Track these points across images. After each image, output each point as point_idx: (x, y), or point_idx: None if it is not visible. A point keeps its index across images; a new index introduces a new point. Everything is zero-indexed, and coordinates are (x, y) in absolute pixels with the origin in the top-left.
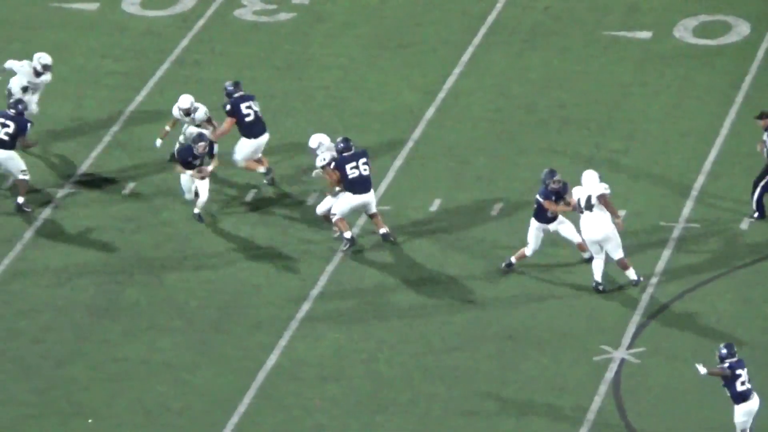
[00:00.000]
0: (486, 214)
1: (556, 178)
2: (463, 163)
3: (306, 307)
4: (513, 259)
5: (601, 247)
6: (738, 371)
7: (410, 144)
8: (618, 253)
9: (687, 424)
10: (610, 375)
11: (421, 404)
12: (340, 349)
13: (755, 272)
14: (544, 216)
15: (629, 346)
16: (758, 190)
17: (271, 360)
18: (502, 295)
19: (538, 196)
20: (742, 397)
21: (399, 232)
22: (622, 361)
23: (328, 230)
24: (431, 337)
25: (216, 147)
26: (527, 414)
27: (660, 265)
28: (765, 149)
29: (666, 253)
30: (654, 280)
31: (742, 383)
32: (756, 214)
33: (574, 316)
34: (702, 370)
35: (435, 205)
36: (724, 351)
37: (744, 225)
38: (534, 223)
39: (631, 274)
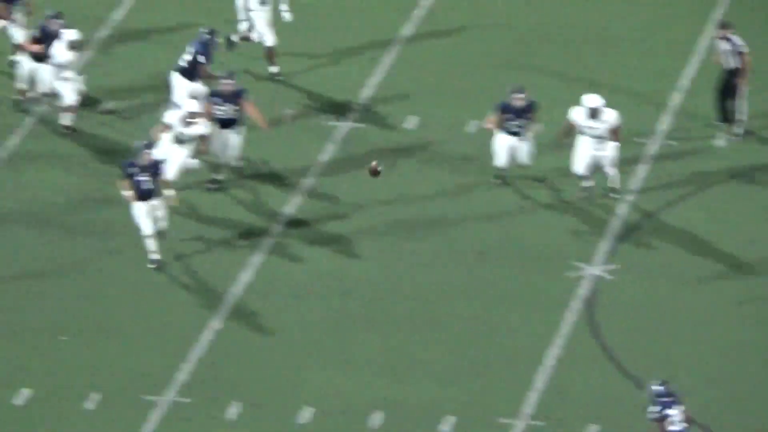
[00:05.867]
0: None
1: (519, 95)
2: (441, 80)
3: (278, 228)
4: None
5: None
6: (668, 412)
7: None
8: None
9: (660, 341)
10: (583, 291)
11: (392, 321)
12: (312, 268)
13: (730, 190)
14: (505, 131)
15: (603, 263)
16: (720, 97)
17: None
18: (474, 211)
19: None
20: None
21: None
22: (596, 277)
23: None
24: (403, 254)
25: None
26: (498, 329)
27: (635, 183)
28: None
29: (641, 170)
30: (629, 197)
31: (673, 423)
32: (722, 121)
33: (547, 232)
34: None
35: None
36: (659, 389)
37: (719, 142)
38: (499, 137)
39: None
